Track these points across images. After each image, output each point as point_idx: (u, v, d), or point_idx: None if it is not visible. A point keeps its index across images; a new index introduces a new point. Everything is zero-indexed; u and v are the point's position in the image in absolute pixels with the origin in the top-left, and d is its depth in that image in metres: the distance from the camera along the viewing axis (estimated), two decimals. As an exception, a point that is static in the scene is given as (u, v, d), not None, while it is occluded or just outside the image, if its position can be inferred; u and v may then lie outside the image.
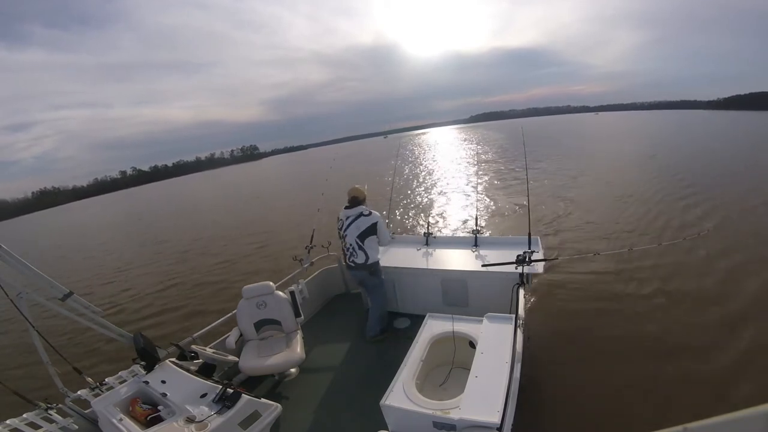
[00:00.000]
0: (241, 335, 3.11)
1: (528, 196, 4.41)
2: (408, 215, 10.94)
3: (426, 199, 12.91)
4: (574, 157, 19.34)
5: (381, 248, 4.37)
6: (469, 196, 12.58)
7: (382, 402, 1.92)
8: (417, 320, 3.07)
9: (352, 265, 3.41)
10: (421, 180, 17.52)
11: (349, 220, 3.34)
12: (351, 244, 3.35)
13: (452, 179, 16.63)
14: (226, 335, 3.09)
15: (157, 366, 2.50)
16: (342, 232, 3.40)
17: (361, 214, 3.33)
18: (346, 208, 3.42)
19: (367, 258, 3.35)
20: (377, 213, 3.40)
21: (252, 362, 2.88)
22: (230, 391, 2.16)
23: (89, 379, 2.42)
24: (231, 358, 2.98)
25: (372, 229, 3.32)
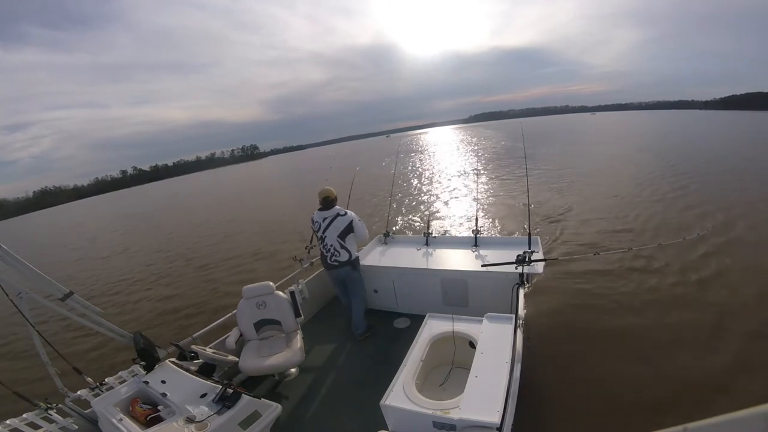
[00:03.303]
0: (241, 335, 3.11)
1: (528, 196, 4.40)
2: (408, 215, 10.94)
3: (426, 199, 12.89)
4: (572, 157, 19.36)
5: (379, 248, 4.41)
6: (469, 196, 12.57)
7: (382, 402, 1.92)
8: (417, 320, 3.07)
9: (336, 264, 3.43)
10: (421, 180, 17.51)
11: (327, 221, 3.38)
12: (332, 245, 3.39)
13: (452, 179, 16.63)
14: (226, 335, 3.08)
15: (157, 366, 2.50)
16: (320, 234, 3.43)
17: (337, 215, 3.37)
18: (320, 209, 3.44)
19: (350, 255, 3.43)
20: (351, 212, 3.45)
21: (252, 362, 2.87)
22: (230, 391, 2.16)
23: (89, 379, 2.42)
24: (231, 358, 2.98)
25: (350, 228, 3.38)
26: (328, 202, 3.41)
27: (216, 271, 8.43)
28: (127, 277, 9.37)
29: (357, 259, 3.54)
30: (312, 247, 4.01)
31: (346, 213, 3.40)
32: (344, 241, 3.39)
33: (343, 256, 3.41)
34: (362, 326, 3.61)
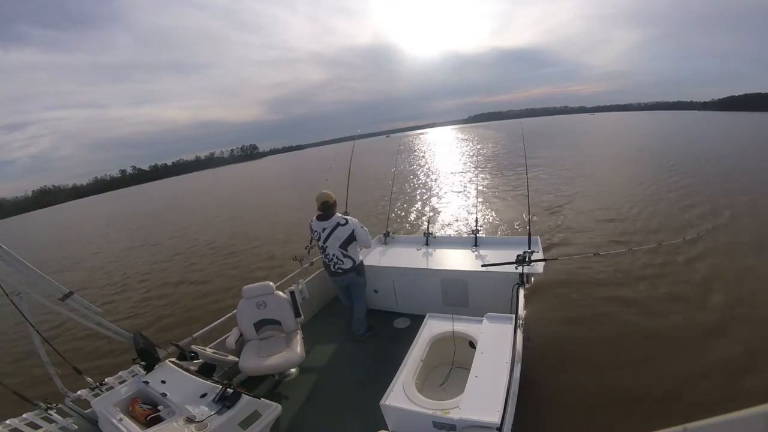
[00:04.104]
0: (241, 335, 3.11)
1: (528, 196, 4.40)
2: (408, 215, 10.94)
3: (426, 199, 12.90)
4: (572, 158, 19.38)
5: (379, 248, 4.41)
6: (469, 196, 12.58)
7: (382, 402, 1.92)
8: (417, 320, 3.07)
9: (340, 271, 3.36)
10: (421, 180, 17.52)
11: (326, 231, 3.26)
12: (334, 254, 3.31)
13: (452, 179, 16.64)
14: (226, 335, 3.08)
15: (157, 366, 2.50)
16: (321, 244, 3.34)
17: (338, 224, 3.24)
18: (320, 218, 3.30)
19: (354, 262, 3.37)
20: (353, 219, 3.33)
21: (252, 362, 2.87)
22: (230, 391, 2.16)
23: (89, 379, 2.42)
24: (231, 358, 2.99)
25: (352, 237, 3.28)
26: (327, 207, 3.26)
27: (225, 267, 8.44)
28: (145, 272, 9.39)
29: (361, 263, 3.51)
30: (312, 247, 4.00)
31: (347, 222, 3.27)
32: (347, 250, 3.31)
33: (347, 264, 3.35)
34: (363, 327, 3.61)
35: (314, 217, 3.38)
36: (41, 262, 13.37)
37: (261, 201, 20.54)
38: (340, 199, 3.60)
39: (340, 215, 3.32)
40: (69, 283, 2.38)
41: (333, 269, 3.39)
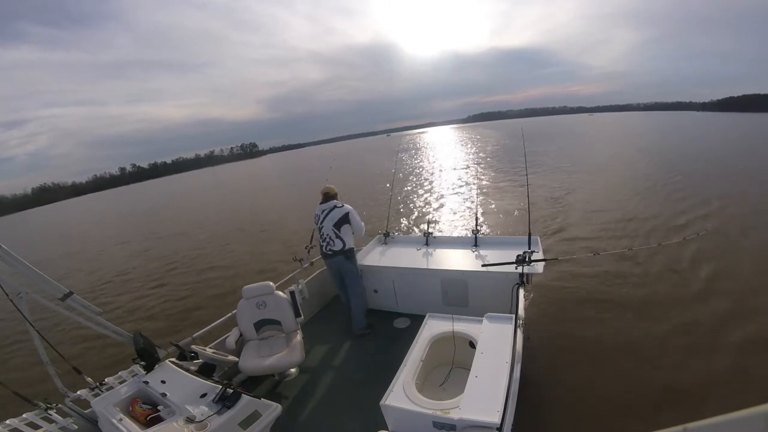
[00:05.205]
0: (241, 335, 3.11)
1: (528, 195, 4.41)
2: (408, 215, 10.94)
3: (426, 199, 12.91)
4: (572, 158, 19.40)
5: (379, 248, 4.41)
6: (469, 196, 12.59)
7: (382, 402, 1.93)
8: (417, 320, 3.08)
9: (330, 253, 3.59)
10: (421, 180, 17.52)
11: (324, 212, 3.62)
12: (328, 234, 3.58)
13: (452, 179, 16.65)
14: (226, 335, 3.09)
15: (157, 366, 2.50)
16: (319, 224, 3.67)
17: (334, 207, 3.60)
18: (321, 203, 3.71)
19: (344, 245, 3.58)
20: (349, 205, 3.65)
21: (252, 362, 2.88)
22: (230, 391, 2.16)
23: (89, 379, 2.42)
24: (231, 358, 2.98)
25: (345, 219, 3.56)
26: (328, 197, 3.68)
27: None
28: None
29: (352, 250, 3.65)
30: (312, 247, 4.02)
31: (343, 205, 3.61)
32: (339, 231, 3.55)
33: (337, 245, 3.54)
34: (362, 322, 3.67)
35: (318, 204, 3.74)
36: (60, 256, 13.56)
37: (261, 201, 20.52)
38: (358, 201, 3.68)
39: (337, 201, 3.66)
40: (72, 281, 2.37)
41: (325, 250, 3.61)
